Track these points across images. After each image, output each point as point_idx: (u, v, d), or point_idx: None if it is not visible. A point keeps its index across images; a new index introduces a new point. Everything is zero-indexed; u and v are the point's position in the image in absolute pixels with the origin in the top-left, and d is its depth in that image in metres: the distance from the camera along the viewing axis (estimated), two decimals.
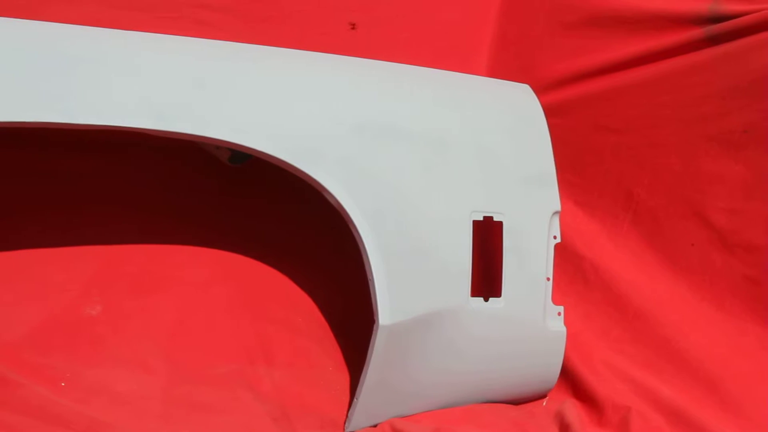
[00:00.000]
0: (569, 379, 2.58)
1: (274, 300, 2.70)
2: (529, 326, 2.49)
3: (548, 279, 2.50)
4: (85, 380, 2.42)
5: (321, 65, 2.47)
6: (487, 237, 2.47)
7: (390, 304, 2.29)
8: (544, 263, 2.50)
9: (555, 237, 2.52)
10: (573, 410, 2.44)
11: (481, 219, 2.41)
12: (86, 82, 2.14)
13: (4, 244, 2.53)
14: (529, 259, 2.48)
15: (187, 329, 2.58)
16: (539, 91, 2.71)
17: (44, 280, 2.53)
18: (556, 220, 2.53)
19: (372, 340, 2.29)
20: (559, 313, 2.53)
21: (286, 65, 2.42)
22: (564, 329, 2.53)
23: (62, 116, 2.09)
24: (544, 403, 2.58)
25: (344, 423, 2.42)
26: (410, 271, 2.34)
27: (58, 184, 2.67)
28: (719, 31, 2.37)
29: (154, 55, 2.28)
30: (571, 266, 2.72)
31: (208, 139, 2.23)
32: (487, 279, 2.46)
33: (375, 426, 2.39)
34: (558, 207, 2.53)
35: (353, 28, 2.55)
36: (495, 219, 2.43)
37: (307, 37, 2.52)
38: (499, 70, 2.89)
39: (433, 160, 2.42)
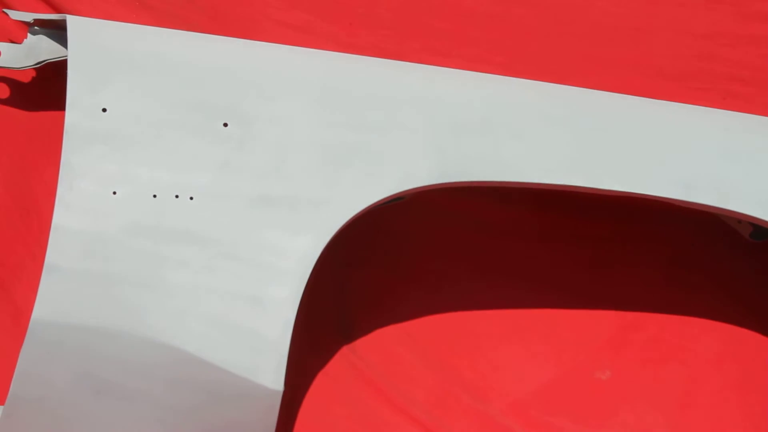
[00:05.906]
0: None
1: None
2: None
3: None
4: None
5: None
6: None
7: None
8: None
9: None
10: None
11: None
12: (610, 148, 2.27)
13: (523, 303, 2.66)
14: None
15: (694, 403, 2.55)
16: None
17: (559, 340, 2.65)
18: None
19: None
20: None
21: None
22: None
23: (589, 181, 2.24)
24: None
25: None
26: None
27: (580, 248, 2.75)
28: None
29: (681, 125, 2.36)
30: None
31: (731, 212, 2.28)
32: None
33: None
34: None
35: None
36: None
37: None
38: None
39: None
